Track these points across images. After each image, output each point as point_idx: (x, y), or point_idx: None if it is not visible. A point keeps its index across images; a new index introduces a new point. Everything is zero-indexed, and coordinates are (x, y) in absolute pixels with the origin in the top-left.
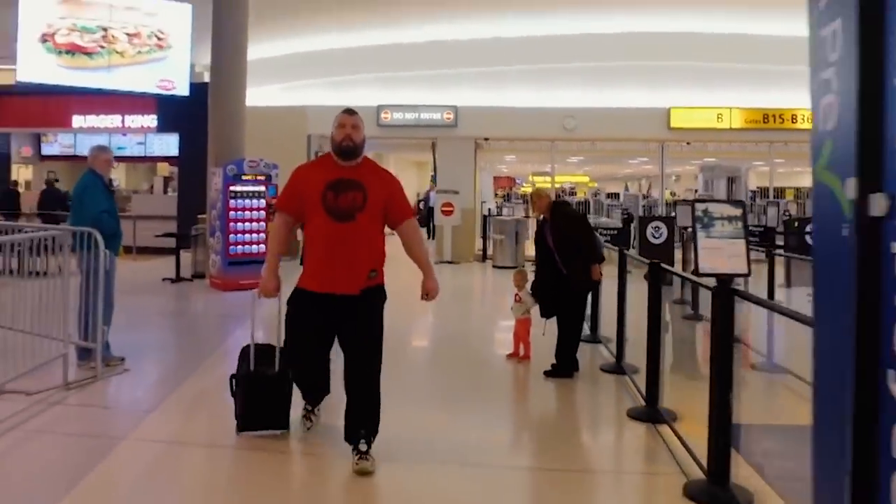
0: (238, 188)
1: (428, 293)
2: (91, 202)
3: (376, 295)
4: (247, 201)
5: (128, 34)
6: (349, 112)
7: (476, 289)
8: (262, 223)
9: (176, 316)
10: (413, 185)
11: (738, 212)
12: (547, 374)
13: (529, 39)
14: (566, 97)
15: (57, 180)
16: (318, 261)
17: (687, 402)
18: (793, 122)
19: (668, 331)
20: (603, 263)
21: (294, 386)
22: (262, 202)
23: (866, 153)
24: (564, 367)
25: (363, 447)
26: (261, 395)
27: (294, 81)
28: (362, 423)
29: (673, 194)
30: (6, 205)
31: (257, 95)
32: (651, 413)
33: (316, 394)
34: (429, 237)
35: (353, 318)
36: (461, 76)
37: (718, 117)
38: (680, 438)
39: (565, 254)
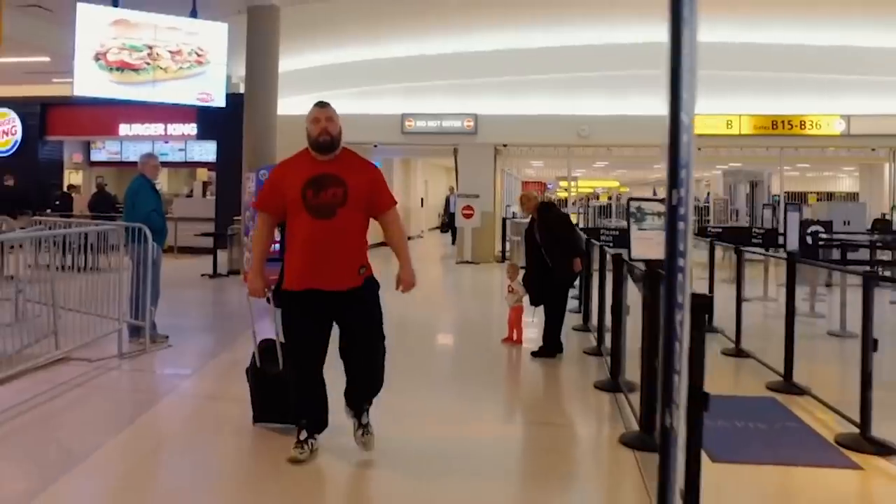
0: None
1: (402, 283)
2: (142, 202)
3: (368, 288)
4: None
5: (170, 52)
6: (322, 105)
7: (489, 285)
8: None
9: (213, 305)
10: (441, 189)
11: (658, 207)
12: (534, 354)
13: (545, 50)
14: (580, 105)
15: (106, 184)
16: (301, 259)
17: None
18: (801, 128)
19: (629, 314)
20: (583, 257)
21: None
22: None
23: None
24: (549, 348)
25: (364, 419)
26: (269, 392)
27: (323, 92)
28: (367, 398)
29: (697, 199)
30: (62, 206)
31: (289, 105)
32: (613, 384)
33: (314, 414)
34: (453, 242)
35: (347, 314)
36: (481, 86)
37: (728, 124)
38: (630, 404)
39: (550, 248)
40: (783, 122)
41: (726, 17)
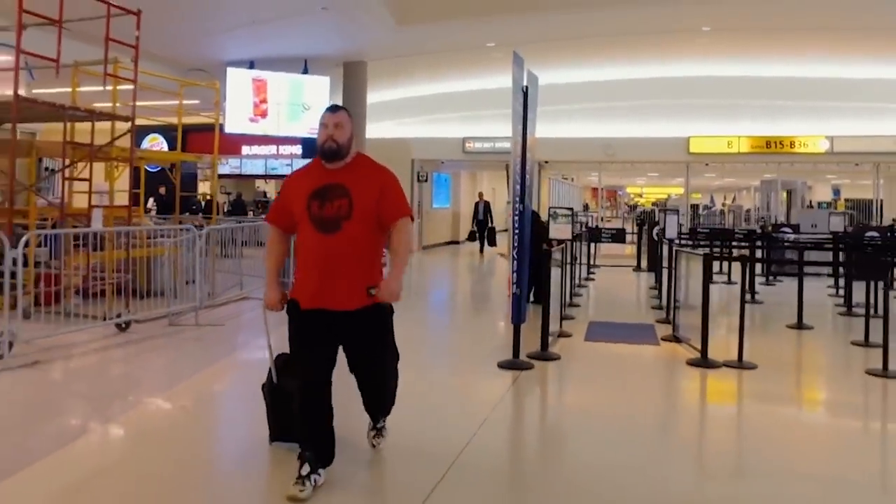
0: None
1: (381, 287)
2: None
3: (380, 313)
4: None
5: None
6: (332, 109)
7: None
8: None
9: None
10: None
11: (568, 212)
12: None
13: (578, 84)
14: (607, 129)
15: (240, 194)
16: (306, 275)
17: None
18: (791, 147)
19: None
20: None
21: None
22: None
23: (521, 187)
24: (538, 299)
25: (380, 423)
26: (287, 409)
27: (401, 119)
28: (380, 411)
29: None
30: (205, 210)
31: (375, 130)
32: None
33: (318, 444)
34: (481, 250)
35: (352, 338)
36: None
37: (728, 144)
38: (546, 341)
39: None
40: (776, 142)
41: (726, 54)
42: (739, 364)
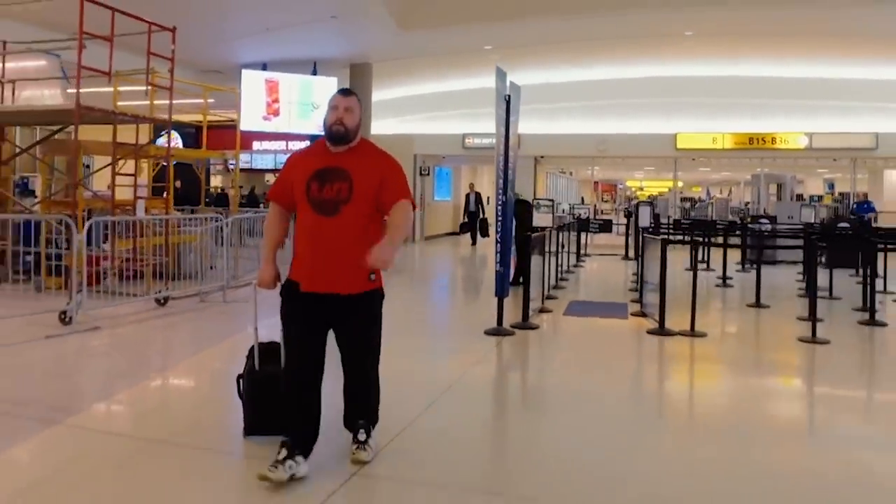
0: None
1: (372, 254)
2: None
3: (373, 299)
4: None
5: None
6: (344, 93)
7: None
8: None
9: None
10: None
11: (550, 203)
12: (513, 282)
13: (572, 84)
14: (599, 126)
15: (254, 187)
16: (303, 257)
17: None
18: (773, 143)
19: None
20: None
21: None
22: None
23: (504, 181)
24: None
25: (362, 436)
26: (266, 397)
27: (404, 116)
28: (360, 413)
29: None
30: (219, 202)
31: (379, 126)
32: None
33: (300, 428)
34: (473, 242)
35: (345, 323)
36: (523, 111)
37: (713, 140)
38: (526, 313)
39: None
40: (758, 138)
41: (710, 56)
42: (692, 333)
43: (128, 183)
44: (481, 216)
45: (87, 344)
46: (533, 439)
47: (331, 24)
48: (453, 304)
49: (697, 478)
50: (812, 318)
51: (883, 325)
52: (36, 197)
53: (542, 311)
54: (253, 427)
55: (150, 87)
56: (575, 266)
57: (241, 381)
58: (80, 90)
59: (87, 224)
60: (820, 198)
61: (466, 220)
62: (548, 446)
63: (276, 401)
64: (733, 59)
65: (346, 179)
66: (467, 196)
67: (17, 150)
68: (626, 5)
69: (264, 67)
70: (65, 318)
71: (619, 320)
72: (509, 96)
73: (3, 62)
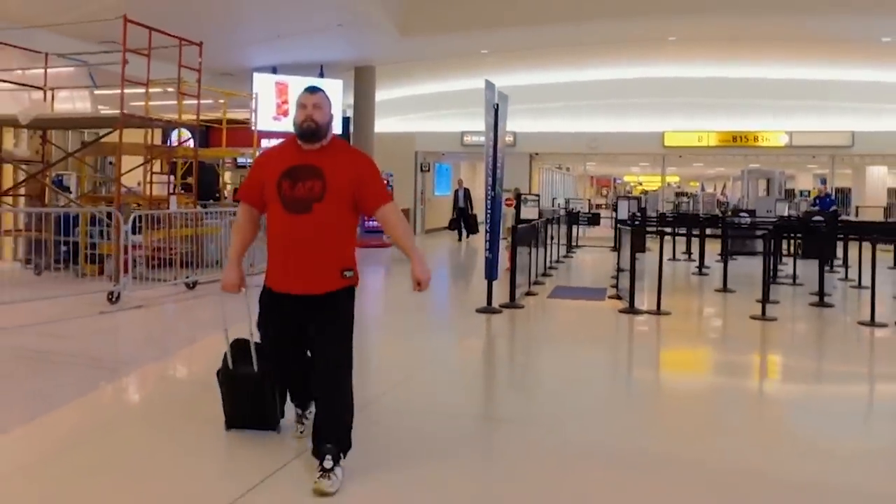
0: None
1: (419, 282)
2: None
3: (345, 297)
4: None
5: None
6: (311, 90)
7: None
8: None
9: None
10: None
11: (536, 198)
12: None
13: (565, 84)
14: (591, 124)
15: None
16: (275, 258)
17: (536, 288)
18: (755, 141)
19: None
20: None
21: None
22: None
23: (492, 177)
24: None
25: (328, 463)
26: (241, 395)
27: (406, 115)
28: (328, 436)
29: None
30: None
31: (382, 125)
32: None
33: (299, 397)
34: (459, 238)
35: (316, 322)
36: (518, 111)
37: (699, 138)
38: (514, 294)
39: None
40: (741, 136)
41: (695, 59)
42: (658, 311)
43: (159, 180)
44: (471, 212)
45: (137, 317)
46: (514, 382)
47: (337, 31)
48: (450, 288)
49: (633, 411)
50: (764, 299)
51: (830, 306)
52: (70, 192)
53: (528, 294)
54: (232, 422)
55: (179, 95)
56: (565, 257)
57: (219, 376)
58: (99, 94)
59: (131, 216)
60: (810, 193)
61: (455, 216)
62: (525, 385)
63: (252, 398)
64: (717, 62)
65: (319, 177)
66: (455, 192)
67: (63, 153)
68: (611, 14)
69: (274, 70)
70: (112, 298)
71: (597, 302)
72: (497, 105)
73: (46, 71)
